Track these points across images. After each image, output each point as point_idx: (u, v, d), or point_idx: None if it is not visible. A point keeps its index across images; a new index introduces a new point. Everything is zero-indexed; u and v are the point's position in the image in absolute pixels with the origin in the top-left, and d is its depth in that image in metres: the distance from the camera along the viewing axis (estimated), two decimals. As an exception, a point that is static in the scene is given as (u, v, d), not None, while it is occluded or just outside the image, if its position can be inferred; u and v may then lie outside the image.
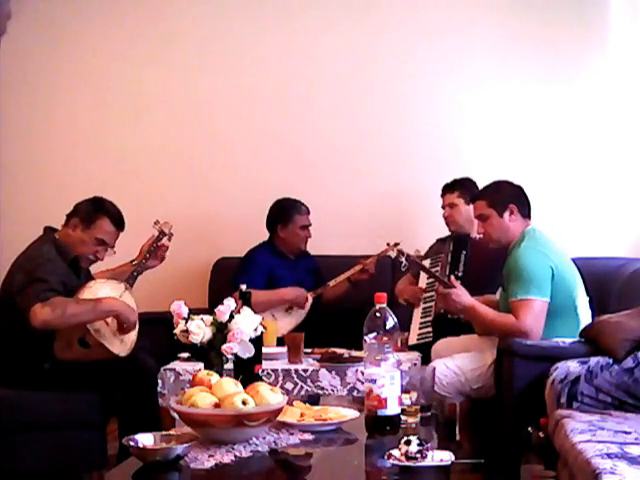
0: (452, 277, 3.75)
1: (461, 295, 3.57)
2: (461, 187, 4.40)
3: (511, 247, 3.65)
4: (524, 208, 3.69)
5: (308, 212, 4.63)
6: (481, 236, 3.84)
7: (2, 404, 3.39)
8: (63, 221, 3.65)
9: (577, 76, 4.93)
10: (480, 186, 3.99)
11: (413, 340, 4.14)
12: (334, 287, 4.53)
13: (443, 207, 4.45)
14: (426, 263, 4.32)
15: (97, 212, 3.62)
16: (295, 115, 5.05)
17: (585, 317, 3.58)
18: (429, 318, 4.20)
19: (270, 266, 4.57)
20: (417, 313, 4.29)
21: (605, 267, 4.19)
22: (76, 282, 3.57)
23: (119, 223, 3.68)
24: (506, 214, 3.66)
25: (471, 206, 4.32)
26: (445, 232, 4.51)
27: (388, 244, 4.48)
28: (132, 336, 3.56)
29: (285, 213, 4.61)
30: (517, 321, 3.44)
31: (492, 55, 4.98)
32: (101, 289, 3.54)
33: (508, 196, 3.68)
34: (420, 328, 4.21)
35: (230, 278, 4.41)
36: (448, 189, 4.44)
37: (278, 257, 4.63)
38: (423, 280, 4.35)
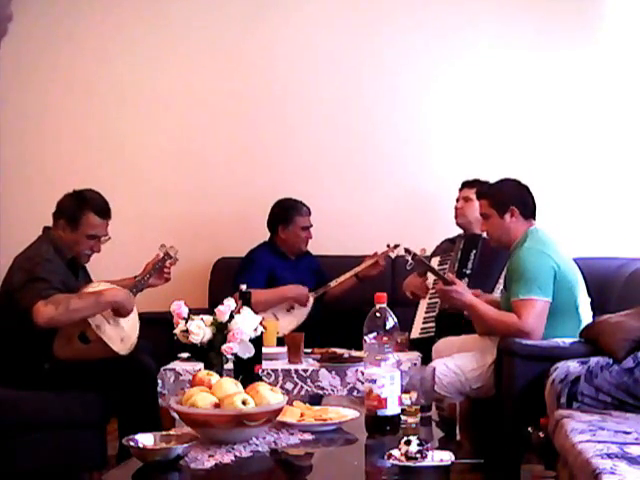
0: (450, 274, 3.76)
1: (461, 292, 3.58)
2: (480, 186, 4.39)
3: (513, 247, 3.65)
4: (526, 210, 3.68)
5: (309, 213, 4.63)
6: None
7: (2, 404, 3.39)
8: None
9: (580, 76, 4.93)
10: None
11: (416, 334, 4.15)
12: (341, 283, 4.53)
13: (457, 199, 4.46)
14: (435, 261, 4.34)
15: (80, 209, 3.57)
16: (295, 115, 5.05)
17: (586, 317, 3.58)
18: (433, 313, 4.21)
19: (271, 266, 4.57)
20: (422, 307, 4.30)
21: (605, 267, 4.19)
22: (74, 282, 3.58)
23: (104, 213, 3.63)
24: (507, 215, 3.65)
25: None
26: (448, 233, 4.51)
27: (388, 245, 4.49)
28: (133, 336, 3.57)
29: (286, 214, 4.61)
30: (519, 320, 3.44)
31: (496, 55, 4.97)
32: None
33: (510, 197, 3.67)
34: (424, 322, 4.22)
35: (230, 278, 4.41)
36: (468, 185, 4.45)
37: (279, 257, 4.63)
38: (431, 277, 4.36)
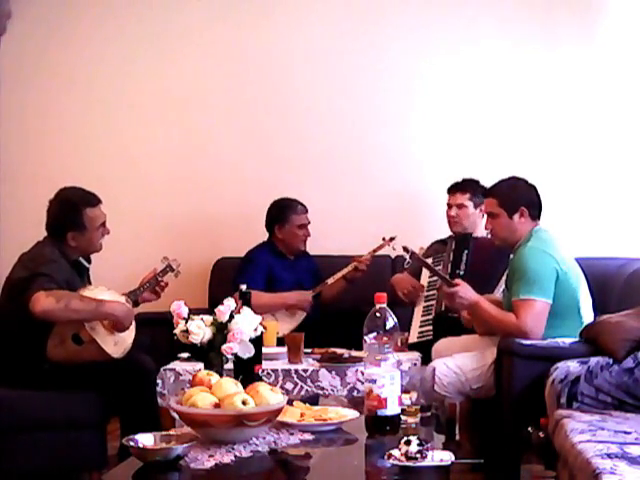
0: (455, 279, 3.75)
1: (466, 292, 3.56)
2: (472, 189, 4.37)
3: (517, 246, 3.64)
4: (535, 210, 3.66)
5: (306, 211, 4.63)
6: (485, 234, 3.84)
7: (2, 404, 3.40)
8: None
9: (579, 74, 4.92)
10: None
11: (413, 338, 4.14)
12: (330, 286, 4.53)
13: (449, 205, 4.43)
14: (428, 262, 4.31)
15: (77, 212, 3.60)
16: (294, 114, 5.04)
17: (588, 318, 3.57)
18: (430, 316, 4.20)
19: (270, 266, 4.56)
20: (418, 311, 4.28)
21: (605, 267, 4.19)
22: (79, 283, 3.59)
23: (95, 201, 3.66)
24: (516, 216, 3.63)
25: (477, 210, 4.34)
26: (445, 233, 4.51)
27: (384, 238, 4.49)
28: (127, 341, 3.56)
29: (281, 213, 4.61)
30: (517, 320, 3.45)
31: (490, 53, 4.96)
32: (101, 294, 3.54)
33: (521, 198, 3.65)
34: (420, 326, 4.21)
35: (230, 278, 4.41)
36: (459, 189, 4.40)
37: (278, 257, 4.63)
38: (425, 278, 4.35)
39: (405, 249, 3.89)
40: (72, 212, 3.60)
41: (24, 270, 3.45)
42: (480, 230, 4.32)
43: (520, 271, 3.52)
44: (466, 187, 4.40)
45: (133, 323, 3.61)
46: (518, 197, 3.66)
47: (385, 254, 4.63)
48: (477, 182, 4.43)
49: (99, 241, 3.68)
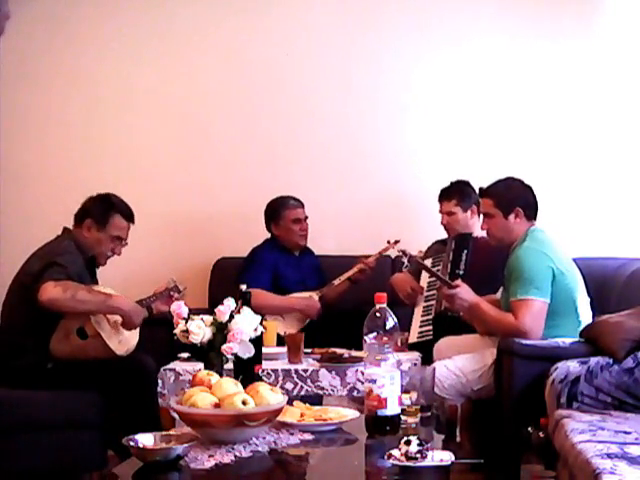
0: (456, 280, 3.75)
1: (466, 294, 3.57)
2: (459, 194, 4.36)
3: (513, 247, 3.64)
4: (530, 210, 3.67)
5: (301, 206, 4.62)
6: (484, 234, 3.84)
7: (2, 404, 3.40)
8: (72, 221, 3.69)
9: (578, 72, 4.91)
10: (478, 185, 3.98)
11: (413, 338, 4.14)
12: (337, 286, 4.53)
13: (440, 212, 4.44)
14: (428, 263, 4.31)
15: (109, 210, 3.68)
16: (295, 114, 5.04)
17: (586, 318, 3.58)
18: (430, 316, 4.20)
19: (274, 263, 4.56)
20: (418, 311, 4.29)
21: (605, 267, 4.19)
22: (89, 281, 3.61)
23: (130, 217, 3.75)
24: (511, 216, 3.64)
25: (469, 212, 4.35)
26: (445, 232, 4.51)
27: (388, 242, 4.50)
28: (131, 342, 3.57)
29: (274, 211, 4.62)
30: (516, 321, 3.45)
31: (485, 50, 4.95)
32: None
33: (516, 199, 3.66)
34: (420, 326, 4.21)
35: (230, 278, 4.40)
36: (445, 197, 4.41)
37: (282, 253, 4.63)
38: (424, 279, 4.35)
39: (403, 253, 3.90)
40: (104, 208, 3.68)
41: (39, 261, 3.47)
42: (478, 230, 4.32)
43: (517, 271, 3.53)
44: (452, 194, 4.39)
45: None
46: (513, 198, 3.67)
47: (385, 254, 4.63)
48: (466, 183, 4.41)
49: (107, 252, 3.70)
